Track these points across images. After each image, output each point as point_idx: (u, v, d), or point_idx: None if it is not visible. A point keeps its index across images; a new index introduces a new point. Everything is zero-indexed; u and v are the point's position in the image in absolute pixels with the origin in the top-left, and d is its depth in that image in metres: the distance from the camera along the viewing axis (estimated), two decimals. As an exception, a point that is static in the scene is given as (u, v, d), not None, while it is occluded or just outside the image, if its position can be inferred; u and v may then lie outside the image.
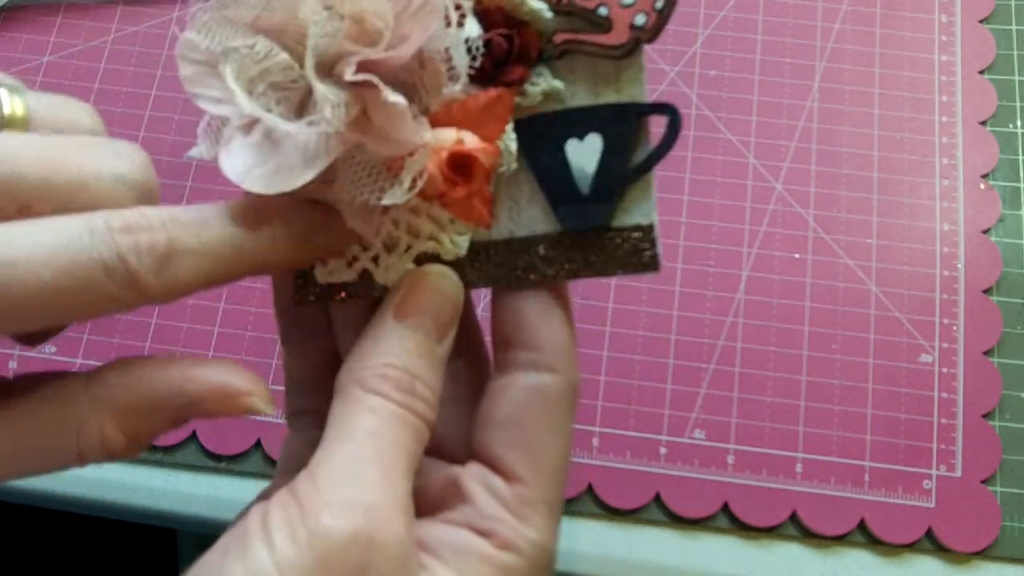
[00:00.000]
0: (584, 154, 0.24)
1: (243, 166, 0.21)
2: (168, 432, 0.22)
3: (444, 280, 0.24)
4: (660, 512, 0.41)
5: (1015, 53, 0.48)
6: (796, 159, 0.46)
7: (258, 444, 0.42)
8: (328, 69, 0.22)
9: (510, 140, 0.24)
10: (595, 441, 0.42)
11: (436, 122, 0.23)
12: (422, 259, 0.25)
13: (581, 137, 0.24)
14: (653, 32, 0.24)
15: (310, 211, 0.23)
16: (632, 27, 0.24)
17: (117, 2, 0.50)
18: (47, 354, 0.43)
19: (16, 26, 0.50)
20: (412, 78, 0.23)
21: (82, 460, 0.21)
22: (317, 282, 0.25)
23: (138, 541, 0.71)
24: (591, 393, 0.42)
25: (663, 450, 0.42)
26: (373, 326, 0.24)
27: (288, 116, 0.22)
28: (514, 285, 0.24)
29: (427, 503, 0.23)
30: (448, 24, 0.22)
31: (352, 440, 0.21)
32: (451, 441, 0.25)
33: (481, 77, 0.23)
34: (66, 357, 0.43)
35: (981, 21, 0.49)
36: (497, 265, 0.24)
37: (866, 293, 0.44)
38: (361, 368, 0.23)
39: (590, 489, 0.41)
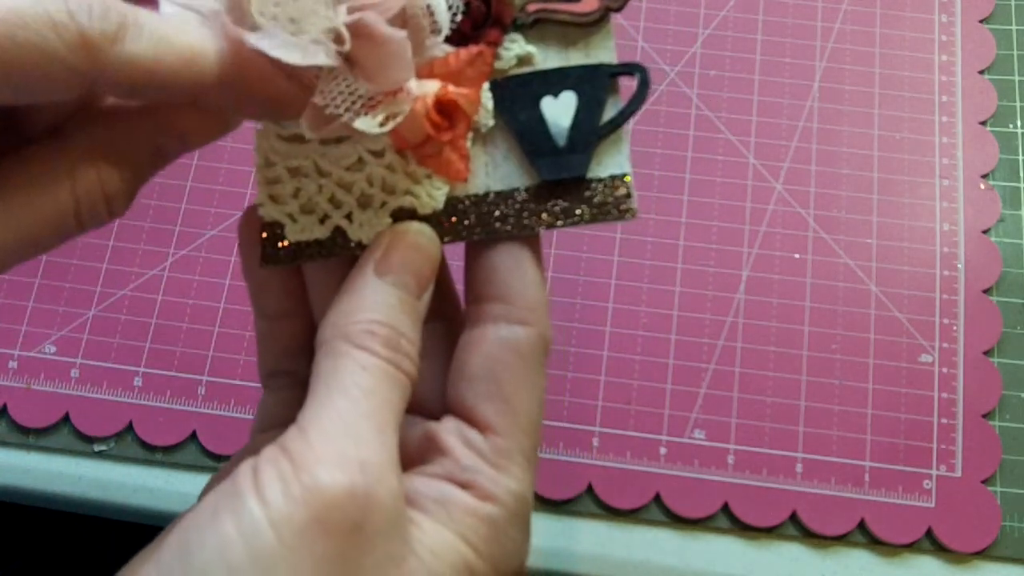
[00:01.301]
0: (559, 110, 0.25)
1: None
2: (156, 169, 0.22)
3: (423, 236, 0.24)
4: (660, 512, 0.41)
5: (1015, 53, 0.48)
6: (796, 159, 0.46)
7: (258, 444, 0.42)
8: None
9: (487, 98, 0.25)
10: (595, 441, 0.42)
11: (420, 77, 0.24)
12: (398, 215, 0.25)
13: (556, 94, 0.25)
14: (622, 1, 0.25)
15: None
16: None
17: (117, 2, 0.50)
18: (48, 354, 0.43)
19: (16, 26, 0.49)
20: None
21: (79, 214, 0.21)
22: (288, 242, 0.25)
23: (138, 541, 0.71)
24: (591, 393, 0.42)
25: (663, 450, 0.42)
26: (354, 281, 0.24)
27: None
28: (491, 237, 0.25)
29: (404, 458, 0.23)
30: None
31: (344, 396, 0.21)
32: (426, 398, 0.25)
33: (460, 39, 0.24)
34: (66, 357, 0.43)
35: (981, 21, 0.49)
36: (475, 218, 0.25)
37: (866, 293, 0.44)
38: (347, 323, 0.22)
39: (590, 489, 0.41)
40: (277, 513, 0.19)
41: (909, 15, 0.49)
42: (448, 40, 0.24)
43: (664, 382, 0.43)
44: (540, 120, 0.25)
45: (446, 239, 0.25)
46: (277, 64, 0.21)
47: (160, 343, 0.43)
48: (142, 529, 0.46)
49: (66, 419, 0.42)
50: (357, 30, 0.22)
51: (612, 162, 0.25)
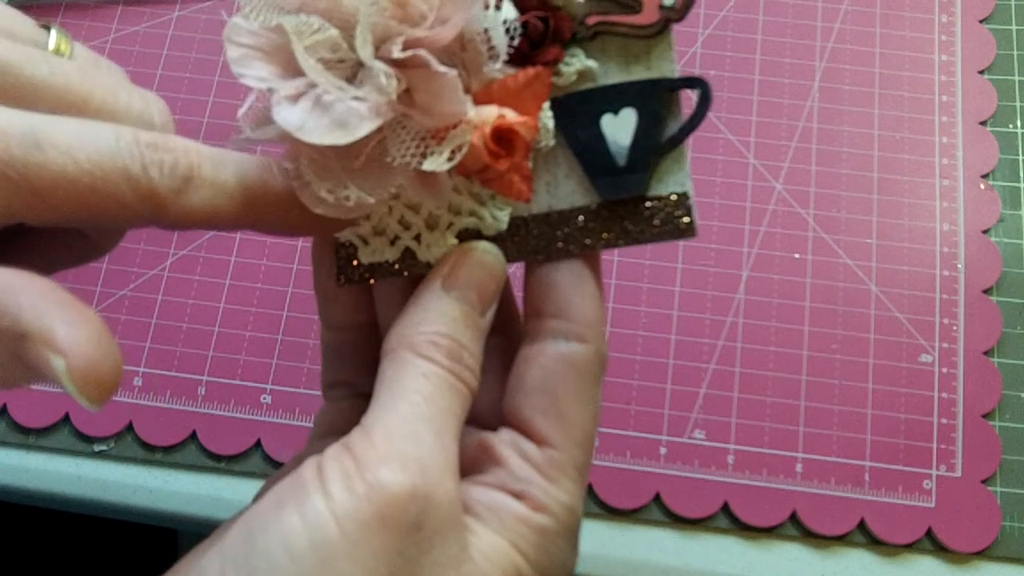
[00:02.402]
0: (619, 127, 0.25)
1: (298, 120, 0.22)
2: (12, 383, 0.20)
3: (488, 255, 0.25)
4: (660, 512, 0.41)
5: (1015, 53, 0.48)
6: (796, 159, 0.46)
7: (258, 444, 0.42)
8: (374, 50, 0.22)
9: (547, 117, 0.25)
10: (595, 441, 0.42)
11: (477, 102, 0.24)
12: (463, 236, 0.25)
13: (616, 112, 0.25)
14: (682, 11, 0.25)
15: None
16: (661, 7, 0.25)
17: (117, 2, 0.50)
18: (47, 354, 0.43)
19: (16, 26, 0.49)
20: (453, 60, 0.24)
21: None
22: (360, 262, 0.26)
23: (138, 541, 0.71)
24: (591, 393, 0.42)
25: (663, 450, 0.42)
26: (421, 295, 0.24)
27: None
28: (553, 257, 0.25)
29: (460, 467, 0.24)
30: (487, 7, 0.23)
31: (406, 401, 0.22)
32: (483, 409, 0.26)
33: (518, 58, 0.24)
34: (66, 357, 0.43)
35: (981, 21, 0.49)
36: (537, 238, 0.25)
37: (866, 293, 0.44)
38: (412, 334, 0.23)
39: (591, 489, 0.41)
40: (340, 507, 0.19)
41: (909, 15, 0.49)
42: (507, 60, 0.24)
43: (664, 382, 0.43)
44: (600, 138, 0.25)
45: (510, 259, 0.25)
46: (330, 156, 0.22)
47: (160, 343, 0.43)
48: (142, 529, 0.46)
49: (66, 419, 0.42)
50: (413, 63, 0.22)
51: (672, 180, 0.25)
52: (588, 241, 0.25)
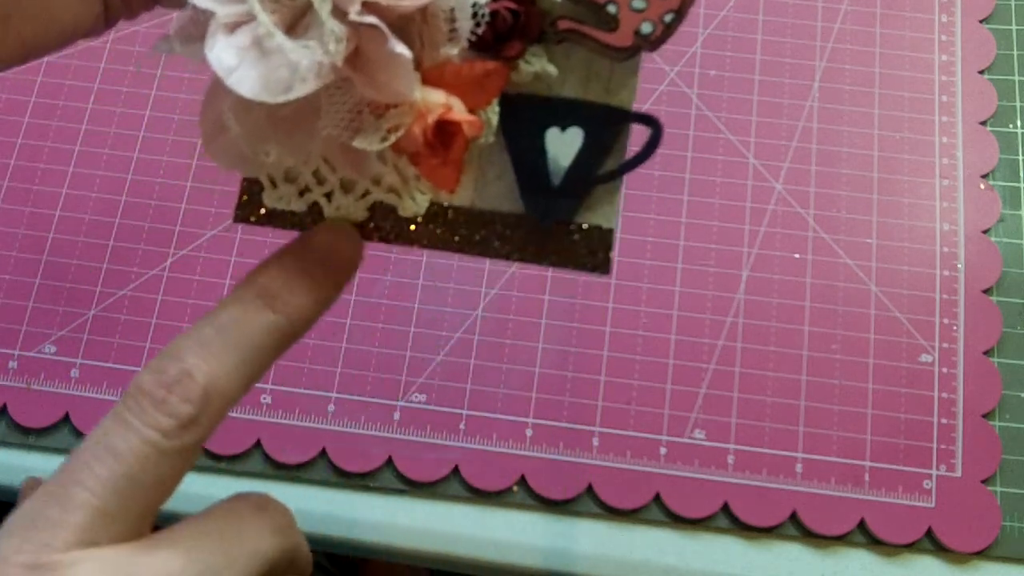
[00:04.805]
0: (562, 146, 0.24)
1: (229, 63, 0.20)
2: None
3: None
4: (660, 512, 0.41)
5: (1015, 53, 0.48)
6: (796, 159, 0.46)
7: (258, 444, 0.42)
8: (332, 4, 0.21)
9: (493, 112, 0.24)
10: (595, 441, 0.42)
11: (426, 81, 0.23)
12: (377, 208, 0.24)
13: (563, 128, 0.24)
14: (656, 43, 0.24)
15: None
16: (637, 33, 0.24)
17: (117, 2, 0.50)
18: (47, 354, 0.43)
19: (16, 26, 0.49)
20: (412, 30, 0.22)
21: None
22: (264, 204, 0.25)
23: (138, 541, 0.71)
24: (591, 393, 0.42)
25: (663, 450, 0.41)
26: None
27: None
28: (465, 252, 0.25)
29: None
30: None
31: None
32: None
33: (479, 46, 0.23)
34: (66, 357, 0.43)
35: (981, 21, 0.49)
36: (452, 231, 0.25)
37: (866, 293, 0.44)
38: None
39: (590, 489, 0.41)
40: None
41: (909, 15, 0.49)
42: (468, 46, 0.23)
43: (664, 382, 0.43)
44: (541, 152, 0.24)
45: (420, 245, 0.25)
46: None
47: (160, 343, 0.43)
48: (142, 529, 0.46)
49: (66, 419, 0.42)
50: (368, 30, 0.21)
51: (601, 213, 0.24)
52: (504, 250, 0.24)
